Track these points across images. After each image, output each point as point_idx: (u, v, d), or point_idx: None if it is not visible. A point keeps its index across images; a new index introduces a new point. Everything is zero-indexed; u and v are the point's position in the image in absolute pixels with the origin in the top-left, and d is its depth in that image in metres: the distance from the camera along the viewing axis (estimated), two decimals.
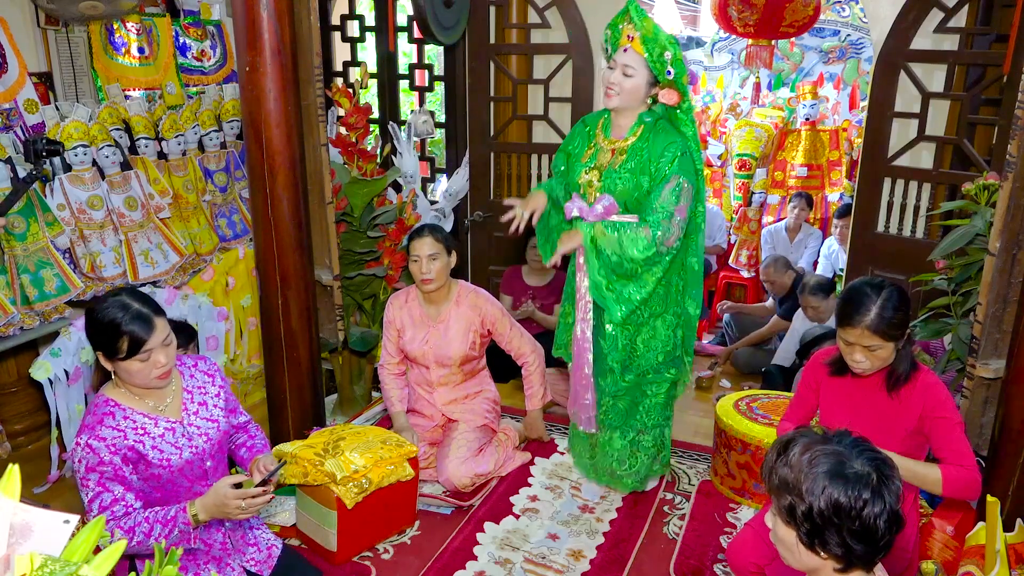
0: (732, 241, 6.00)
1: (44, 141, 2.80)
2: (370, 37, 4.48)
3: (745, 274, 5.63)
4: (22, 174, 2.78)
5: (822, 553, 1.29)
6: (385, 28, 4.34)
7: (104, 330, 1.73)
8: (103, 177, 3.11)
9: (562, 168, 2.73)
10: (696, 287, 2.73)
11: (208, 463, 1.94)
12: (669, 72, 2.42)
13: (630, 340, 2.66)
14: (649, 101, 2.52)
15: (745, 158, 6.04)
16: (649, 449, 2.82)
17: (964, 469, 1.89)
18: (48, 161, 2.84)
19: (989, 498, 2.07)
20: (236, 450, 2.09)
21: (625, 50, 2.44)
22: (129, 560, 1.90)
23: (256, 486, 1.83)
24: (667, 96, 2.47)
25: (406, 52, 4.88)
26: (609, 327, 2.64)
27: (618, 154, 2.54)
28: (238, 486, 1.80)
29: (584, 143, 2.67)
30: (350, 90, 3.51)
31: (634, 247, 2.44)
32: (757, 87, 6.47)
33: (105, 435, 1.75)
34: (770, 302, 4.78)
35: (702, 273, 2.74)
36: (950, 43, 3.52)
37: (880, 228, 3.73)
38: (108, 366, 1.79)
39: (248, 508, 1.79)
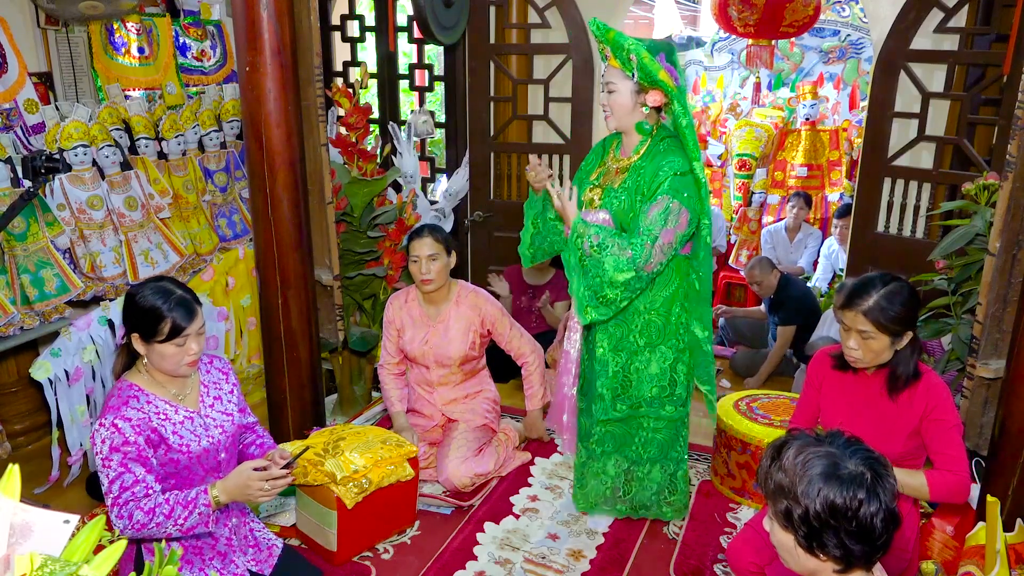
0: (732, 241, 6.00)
1: (44, 157, 2.76)
2: (370, 37, 4.48)
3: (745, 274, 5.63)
4: (22, 175, 2.77)
5: (821, 556, 1.29)
6: (385, 28, 4.34)
7: (148, 312, 1.79)
8: (103, 177, 3.11)
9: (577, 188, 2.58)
10: (702, 307, 2.52)
11: (222, 455, 1.98)
12: (634, 74, 2.33)
13: (622, 368, 2.53)
14: (645, 110, 2.41)
15: (745, 158, 6.04)
16: (644, 481, 2.68)
17: (950, 473, 1.89)
18: (47, 178, 2.82)
19: (989, 498, 2.06)
20: (245, 448, 2.12)
21: (606, 69, 2.42)
22: (136, 549, 1.91)
23: (280, 469, 1.86)
24: (652, 98, 2.38)
25: (406, 52, 4.88)
26: (600, 351, 2.53)
27: (621, 172, 2.48)
28: (260, 470, 1.83)
29: (596, 161, 2.63)
30: (350, 90, 3.51)
31: (615, 269, 2.31)
32: (757, 87, 6.48)
33: (131, 415, 1.79)
34: (763, 306, 4.77)
35: (707, 292, 2.52)
36: (950, 43, 3.52)
37: (880, 228, 3.73)
38: (141, 349, 1.84)
39: (271, 490, 1.82)
